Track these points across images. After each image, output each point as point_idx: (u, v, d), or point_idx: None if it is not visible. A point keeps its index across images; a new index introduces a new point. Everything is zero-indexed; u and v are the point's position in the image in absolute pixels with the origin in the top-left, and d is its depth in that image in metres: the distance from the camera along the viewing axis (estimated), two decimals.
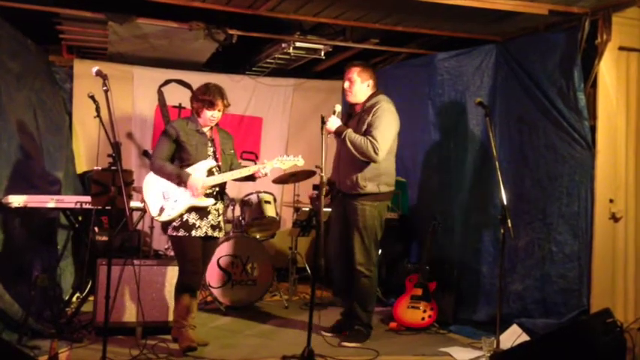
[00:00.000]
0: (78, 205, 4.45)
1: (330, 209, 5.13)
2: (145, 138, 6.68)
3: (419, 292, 5.05)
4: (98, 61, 6.30)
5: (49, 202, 4.47)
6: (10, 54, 4.83)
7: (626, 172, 4.60)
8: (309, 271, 6.20)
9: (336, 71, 7.24)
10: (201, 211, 4.17)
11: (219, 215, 4.30)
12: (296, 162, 4.26)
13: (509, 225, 4.02)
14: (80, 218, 4.85)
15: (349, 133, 4.45)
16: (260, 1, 4.78)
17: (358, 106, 4.64)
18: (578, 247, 4.52)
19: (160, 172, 4.19)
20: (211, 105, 4.15)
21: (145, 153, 6.62)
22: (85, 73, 6.03)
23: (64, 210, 4.71)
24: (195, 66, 6.77)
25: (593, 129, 4.49)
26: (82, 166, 6.27)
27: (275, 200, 6.09)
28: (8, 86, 4.71)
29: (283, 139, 7.17)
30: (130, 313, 4.43)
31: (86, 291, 4.92)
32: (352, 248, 4.57)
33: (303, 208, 5.77)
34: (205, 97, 4.15)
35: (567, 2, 4.45)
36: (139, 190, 5.72)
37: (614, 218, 4.55)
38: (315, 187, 4.33)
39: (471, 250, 5.26)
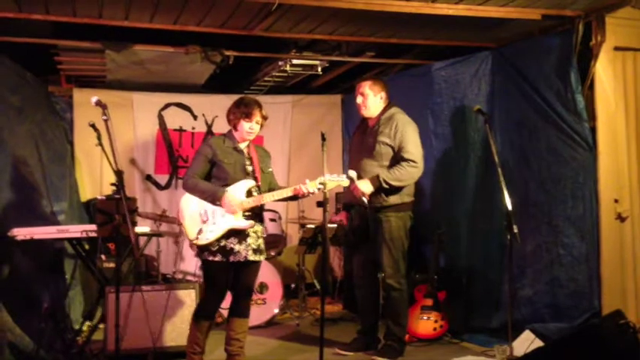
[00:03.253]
0: (84, 234, 4.44)
1: (334, 225, 5.12)
2: (147, 163, 6.70)
3: (429, 302, 5.04)
4: (97, 89, 6.34)
5: (55, 233, 4.45)
6: (10, 88, 4.88)
7: (629, 172, 4.59)
8: (317, 286, 6.19)
9: (333, 86, 7.27)
10: (240, 235, 3.95)
11: (258, 238, 4.06)
12: (340, 182, 3.93)
13: (515, 230, 4.01)
14: (87, 247, 4.85)
15: (384, 177, 4.34)
16: (254, 22, 4.81)
17: (372, 120, 4.59)
18: (586, 249, 4.49)
19: (193, 190, 3.99)
20: (248, 116, 3.99)
21: (149, 177, 6.66)
22: (85, 101, 6.05)
23: (70, 239, 4.72)
24: (193, 88, 6.79)
25: (593, 130, 4.48)
26: (86, 194, 6.29)
27: (280, 218, 6.10)
28: (10, 120, 4.75)
29: (285, 156, 7.17)
30: (140, 340, 4.39)
31: (96, 319, 4.92)
32: (380, 262, 4.50)
33: (308, 225, 5.78)
34: (242, 108, 4.01)
35: (560, 6, 4.46)
36: (144, 216, 5.76)
37: (620, 218, 4.52)
38: (319, 203, 4.30)
39: (478, 258, 5.24)
